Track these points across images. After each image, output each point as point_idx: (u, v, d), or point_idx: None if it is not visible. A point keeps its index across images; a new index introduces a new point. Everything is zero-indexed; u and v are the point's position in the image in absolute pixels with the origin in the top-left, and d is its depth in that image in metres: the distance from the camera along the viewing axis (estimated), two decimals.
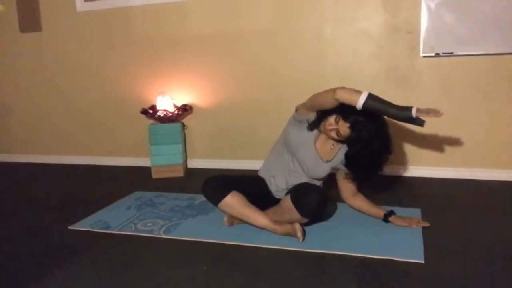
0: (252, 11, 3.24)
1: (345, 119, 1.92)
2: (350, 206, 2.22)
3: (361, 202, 2.19)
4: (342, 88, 1.84)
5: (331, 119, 1.97)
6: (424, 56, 2.92)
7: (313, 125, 2.07)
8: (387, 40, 3.00)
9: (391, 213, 2.15)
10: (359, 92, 1.81)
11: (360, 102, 1.78)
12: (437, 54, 2.88)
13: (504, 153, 2.90)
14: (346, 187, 2.17)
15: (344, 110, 1.90)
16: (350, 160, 2.06)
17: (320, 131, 2.08)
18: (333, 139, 2.05)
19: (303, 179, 2.15)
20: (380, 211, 2.16)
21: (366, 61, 3.07)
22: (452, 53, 2.85)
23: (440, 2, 2.80)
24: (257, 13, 3.23)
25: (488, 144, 2.92)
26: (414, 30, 2.91)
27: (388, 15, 2.96)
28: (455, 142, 2.98)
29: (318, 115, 2.04)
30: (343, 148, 2.09)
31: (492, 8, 2.71)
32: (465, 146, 2.97)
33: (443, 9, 2.80)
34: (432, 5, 2.82)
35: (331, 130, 1.98)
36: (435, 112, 1.71)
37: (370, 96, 1.79)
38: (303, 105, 2.08)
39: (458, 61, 2.88)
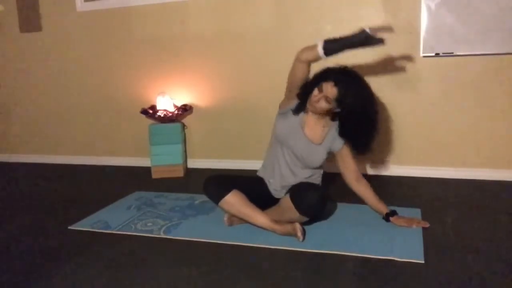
0: (252, 11, 3.24)
1: (327, 80, 1.97)
2: (354, 191, 2.18)
3: (364, 188, 2.16)
4: (300, 50, 2.00)
5: (315, 91, 2.00)
6: (424, 56, 2.92)
7: (299, 108, 2.11)
8: (387, 40, 2.99)
9: (393, 213, 2.14)
10: (315, 45, 1.95)
11: (320, 50, 1.94)
12: (437, 54, 2.88)
13: (504, 153, 2.90)
14: (348, 170, 2.15)
15: (321, 77, 1.99)
16: (343, 124, 2.07)
17: (306, 112, 2.10)
18: (324, 112, 2.04)
19: (301, 173, 2.15)
20: (383, 208, 2.14)
21: (366, 61, 3.06)
22: (452, 53, 2.85)
23: (440, 2, 2.80)
24: (257, 13, 3.23)
25: (488, 144, 2.92)
26: (414, 30, 2.91)
27: (388, 15, 2.96)
28: (455, 142, 2.98)
29: (300, 99, 2.08)
30: (334, 127, 2.10)
31: (492, 8, 2.71)
32: (465, 146, 2.96)
33: (443, 9, 2.80)
34: (432, 5, 2.82)
35: (318, 100, 1.99)
36: (383, 32, 1.95)
37: (326, 41, 1.96)
38: (284, 97, 2.16)
39: (458, 61, 2.88)
